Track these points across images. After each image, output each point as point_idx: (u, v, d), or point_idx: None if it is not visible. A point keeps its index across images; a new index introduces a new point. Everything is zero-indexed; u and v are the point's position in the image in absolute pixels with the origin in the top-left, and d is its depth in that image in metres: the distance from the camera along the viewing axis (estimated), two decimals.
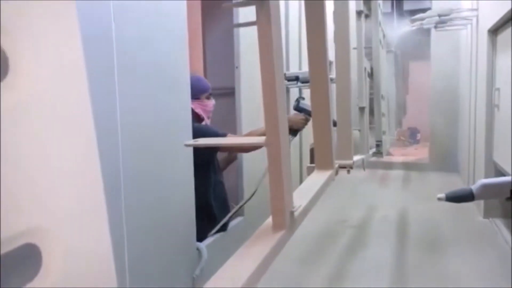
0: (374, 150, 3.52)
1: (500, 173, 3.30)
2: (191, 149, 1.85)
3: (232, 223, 2.64)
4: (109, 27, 1.32)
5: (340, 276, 2.38)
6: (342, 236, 3.04)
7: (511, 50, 2.95)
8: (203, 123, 2.37)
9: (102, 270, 0.42)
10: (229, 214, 2.21)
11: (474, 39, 4.09)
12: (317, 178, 1.24)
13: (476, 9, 3.56)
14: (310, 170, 1.36)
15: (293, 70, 3.56)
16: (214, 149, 2.20)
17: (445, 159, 5.46)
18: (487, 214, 3.42)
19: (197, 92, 2.29)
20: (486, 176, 3.50)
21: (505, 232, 3.03)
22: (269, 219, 0.91)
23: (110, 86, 1.33)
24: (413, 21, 3.58)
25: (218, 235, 2.41)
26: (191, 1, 2.15)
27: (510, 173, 2.96)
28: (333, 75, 1.73)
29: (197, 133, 1.95)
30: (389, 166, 5.86)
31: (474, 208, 3.60)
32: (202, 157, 2.14)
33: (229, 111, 2.70)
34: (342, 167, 1.58)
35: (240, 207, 2.20)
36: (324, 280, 2.32)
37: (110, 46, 1.32)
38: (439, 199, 1.46)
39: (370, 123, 3.49)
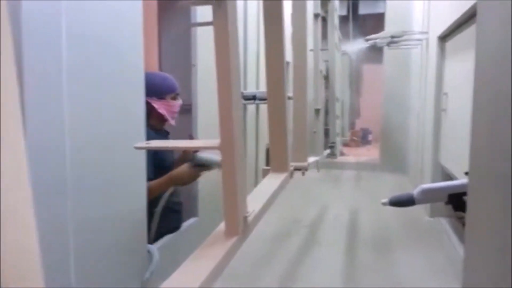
0: (328, 151, 3.59)
1: (447, 175, 3.47)
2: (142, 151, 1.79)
3: (186, 224, 2.59)
4: (58, 24, 1.24)
5: (293, 276, 2.40)
6: (295, 236, 3.06)
7: (459, 56, 3.10)
8: (167, 123, 2.30)
9: (28, 267, 0.42)
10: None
11: (424, 46, 4.26)
12: (272, 181, 1.22)
13: (427, 32, 3.78)
14: (265, 173, 1.35)
15: (251, 75, 3.56)
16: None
17: (395, 160, 5.67)
18: (433, 213, 3.58)
19: (162, 92, 2.20)
20: (433, 178, 3.67)
21: (450, 230, 3.19)
22: (222, 224, 0.88)
23: (57, 85, 1.26)
24: (368, 40, 3.74)
25: (171, 236, 2.34)
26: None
27: (455, 175, 3.11)
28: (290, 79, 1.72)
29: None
30: (342, 166, 6.00)
31: (421, 208, 3.76)
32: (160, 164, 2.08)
33: (185, 108, 2.63)
34: (297, 169, 1.58)
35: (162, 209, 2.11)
36: (276, 280, 2.33)
37: (59, 44, 1.25)
38: (383, 203, 1.51)
39: (325, 124, 3.55)
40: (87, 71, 1.42)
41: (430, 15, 4.06)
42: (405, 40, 3.75)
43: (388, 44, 3.72)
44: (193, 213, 2.72)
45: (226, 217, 0.83)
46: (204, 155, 2.00)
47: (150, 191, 2.01)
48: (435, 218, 3.54)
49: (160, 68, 2.99)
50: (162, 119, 2.25)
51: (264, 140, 3.82)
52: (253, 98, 2.92)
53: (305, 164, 1.61)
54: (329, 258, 2.66)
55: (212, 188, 2.84)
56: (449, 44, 3.44)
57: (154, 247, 2.07)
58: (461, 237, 2.88)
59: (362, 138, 10.98)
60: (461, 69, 3.01)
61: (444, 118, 3.53)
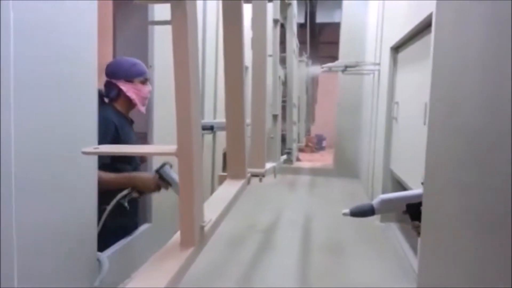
0: (284, 157, 3.61)
1: (396, 181, 3.60)
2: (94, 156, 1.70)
3: (138, 230, 2.49)
4: (7, 21, 1.16)
5: (248, 280, 2.38)
6: (250, 241, 3.05)
7: (410, 67, 3.23)
8: (137, 109, 2.22)
9: None
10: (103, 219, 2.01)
11: (377, 56, 4.41)
12: (229, 188, 1.19)
13: (379, 64, 4.06)
14: (221, 179, 1.31)
15: (210, 76, 3.51)
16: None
17: (347, 166, 5.82)
18: (384, 218, 3.70)
19: (130, 75, 2.17)
20: (384, 183, 3.79)
21: (399, 234, 3.30)
22: (177, 234, 0.84)
23: (5, 83, 1.17)
24: (323, 67, 4.00)
25: (123, 242, 2.25)
26: None
27: (404, 181, 3.23)
28: (249, 82, 1.71)
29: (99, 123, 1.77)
30: (297, 171, 6.07)
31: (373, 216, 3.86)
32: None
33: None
34: (254, 175, 1.56)
35: (110, 209, 2.00)
36: (231, 285, 2.30)
37: (7, 39, 1.17)
38: (344, 214, 1.55)
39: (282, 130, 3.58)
40: (36, 70, 1.33)
41: (383, 26, 4.22)
42: (358, 69, 4.11)
43: (343, 71, 4.01)
44: (146, 219, 2.63)
45: (182, 226, 0.79)
46: (172, 173, 1.97)
47: (107, 182, 1.93)
48: (386, 223, 3.66)
49: None
50: (130, 103, 2.20)
51: (221, 144, 3.78)
52: (211, 128, 2.86)
53: (262, 170, 1.59)
54: (283, 262, 2.66)
55: (166, 194, 2.76)
56: (401, 55, 3.58)
57: (104, 255, 1.97)
58: (410, 241, 2.99)
59: (316, 144, 11.20)
60: (412, 79, 3.13)
61: (395, 126, 3.66)
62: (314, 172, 6.08)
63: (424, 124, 2.51)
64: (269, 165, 1.85)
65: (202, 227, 0.81)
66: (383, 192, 3.76)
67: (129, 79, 2.16)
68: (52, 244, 1.51)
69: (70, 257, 1.64)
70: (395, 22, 3.58)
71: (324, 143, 11.47)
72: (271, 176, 2.47)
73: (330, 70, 4.01)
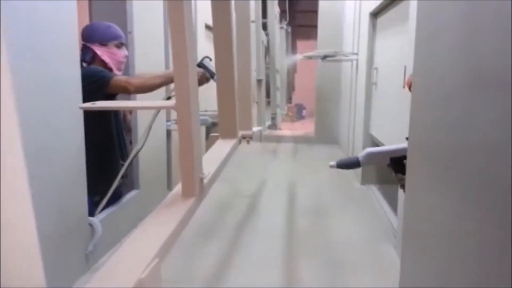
0: (269, 123, 3.65)
1: (376, 145, 3.71)
2: (80, 116, 1.70)
3: (127, 196, 2.52)
4: None
5: (236, 244, 2.46)
6: (238, 206, 3.12)
7: (389, 32, 3.27)
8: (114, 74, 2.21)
9: None
10: (118, 178, 2.08)
11: (356, 23, 4.43)
12: (222, 147, 1.23)
13: (357, 53, 4.20)
14: (214, 140, 1.35)
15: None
16: (104, 93, 2.00)
17: (328, 133, 5.93)
18: (364, 181, 3.83)
19: (104, 38, 2.16)
20: (364, 148, 3.90)
21: (378, 195, 3.44)
22: (178, 186, 0.88)
23: None
24: (304, 56, 4.13)
25: (112, 209, 2.28)
26: None
27: (383, 144, 3.34)
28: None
29: (83, 76, 1.82)
30: (280, 139, 6.15)
31: (353, 177, 4.00)
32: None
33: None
34: (243, 136, 1.60)
35: (132, 159, 2.11)
36: (220, 248, 2.37)
37: None
38: (331, 166, 1.61)
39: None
40: (17, 39, 1.31)
41: None
42: (337, 58, 4.30)
43: (322, 59, 4.21)
44: (134, 185, 2.66)
45: (183, 178, 0.83)
46: (212, 62, 2.12)
47: (154, 85, 2.03)
48: (366, 185, 3.79)
49: None
50: (105, 67, 2.18)
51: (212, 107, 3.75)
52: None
53: (250, 132, 1.63)
54: (269, 225, 2.75)
55: (153, 159, 2.78)
56: (380, 20, 3.61)
57: (96, 220, 2.01)
58: (390, 201, 3.12)
59: (296, 113, 11.28)
60: (391, 44, 3.18)
61: (374, 91, 3.74)
62: (296, 139, 6.17)
63: (403, 87, 2.58)
64: (255, 129, 1.89)
65: (201, 179, 0.85)
66: None
67: (103, 43, 2.15)
68: (42, 213, 1.51)
69: (61, 224, 1.66)
70: None
71: (304, 113, 11.56)
72: (256, 143, 2.53)
73: (310, 58, 4.13)
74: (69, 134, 1.68)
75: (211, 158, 1.08)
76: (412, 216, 1.01)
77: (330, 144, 5.73)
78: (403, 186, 1.44)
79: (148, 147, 2.33)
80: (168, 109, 0.74)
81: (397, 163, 1.45)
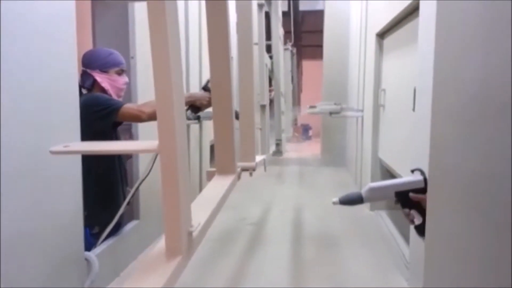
0: (273, 149, 3.54)
1: (385, 169, 3.57)
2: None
3: (126, 227, 2.40)
4: None
5: (241, 275, 2.32)
6: (242, 234, 2.99)
7: (396, 53, 3.18)
8: None
9: None
10: (122, 208, 1.98)
11: (362, 43, 4.35)
12: (218, 185, 1.11)
13: (362, 110, 4.19)
14: (210, 175, 1.23)
15: (194, 65, 3.39)
16: (111, 122, 2.00)
17: (335, 155, 5.80)
18: (373, 206, 3.68)
19: (105, 65, 2.12)
20: (373, 171, 3.76)
21: (388, 222, 3.28)
22: (162, 241, 0.76)
23: None
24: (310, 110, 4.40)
25: (111, 241, 2.16)
26: None
27: (394, 169, 3.20)
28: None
29: (86, 103, 1.78)
30: (285, 162, 6.02)
31: (362, 205, 3.84)
32: (98, 130, 1.90)
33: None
34: (244, 169, 1.48)
35: (136, 189, 2.03)
36: (225, 280, 2.23)
37: None
38: (334, 203, 1.54)
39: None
40: (14, 61, 1.24)
41: (368, 12, 4.15)
42: (343, 114, 4.32)
43: (330, 114, 4.23)
44: (134, 215, 2.54)
45: (167, 233, 0.71)
46: None
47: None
48: (375, 211, 3.64)
49: None
50: (105, 94, 2.11)
51: (209, 136, 3.67)
52: (197, 118, 2.87)
53: (252, 164, 1.51)
54: (276, 255, 2.62)
55: (155, 188, 2.67)
56: (387, 41, 3.52)
57: (93, 255, 1.89)
58: (400, 229, 2.97)
59: (302, 134, 11.17)
60: (399, 65, 3.08)
61: (382, 113, 3.62)
62: (302, 162, 6.03)
63: (413, 110, 2.46)
64: (259, 158, 1.77)
65: (190, 233, 0.73)
66: (372, 181, 3.73)
67: (104, 70, 2.11)
68: (38, 247, 1.44)
69: (57, 259, 1.56)
70: (380, 8, 3.52)
71: (310, 133, 11.45)
72: (261, 168, 2.41)
73: (315, 114, 4.23)
74: (66, 164, 1.58)
75: (204, 201, 0.95)
76: (435, 247, 0.91)
77: (337, 167, 5.60)
78: (412, 221, 1.37)
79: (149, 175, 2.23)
80: (150, 152, 0.65)
81: (403, 198, 1.38)
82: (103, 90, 2.13)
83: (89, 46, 2.75)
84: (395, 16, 2.91)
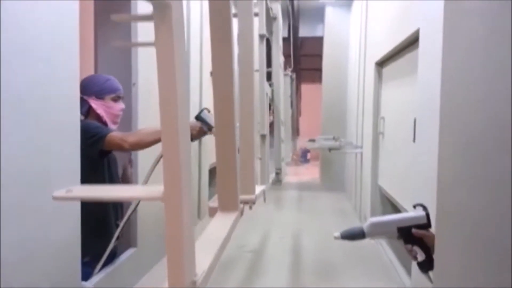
0: (273, 177, 3.52)
1: (385, 197, 3.54)
2: (77, 175, 1.59)
3: (123, 256, 2.34)
4: None
5: None
6: (241, 262, 2.93)
7: (395, 82, 3.20)
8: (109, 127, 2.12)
9: None
10: (114, 238, 1.94)
11: (361, 70, 4.40)
12: (221, 224, 1.08)
13: (361, 147, 4.24)
14: (212, 212, 1.21)
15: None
16: (98, 150, 1.96)
17: (334, 180, 5.77)
18: None
19: (101, 91, 2.08)
20: (372, 199, 3.74)
21: (388, 250, 3.24)
22: None
23: None
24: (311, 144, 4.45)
25: (107, 270, 2.11)
26: (83, 3, 1.88)
27: (393, 197, 3.18)
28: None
29: None
30: (284, 186, 5.98)
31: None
32: (87, 158, 1.87)
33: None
34: (243, 202, 1.45)
35: (127, 219, 1.98)
36: None
37: None
38: (335, 238, 1.53)
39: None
40: (16, 87, 1.23)
41: (367, 41, 4.21)
42: (342, 150, 4.44)
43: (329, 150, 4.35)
44: (131, 243, 2.48)
45: (171, 282, 0.68)
46: (210, 114, 2.11)
47: (153, 141, 1.95)
48: (376, 239, 3.59)
49: None
50: (100, 121, 2.09)
51: (209, 159, 3.63)
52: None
53: (252, 197, 1.49)
54: (275, 284, 2.57)
55: (152, 215, 2.63)
56: (387, 69, 3.56)
57: (89, 284, 1.84)
58: (401, 259, 2.92)
59: (301, 157, 11.16)
60: (399, 94, 3.10)
61: (381, 141, 3.62)
62: (301, 186, 6.01)
63: (414, 141, 2.46)
64: (258, 189, 1.75)
65: (193, 282, 0.70)
66: (372, 208, 3.70)
67: (100, 96, 2.09)
68: (32, 277, 1.39)
69: (53, 285, 1.51)
70: (379, 37, 3.56)
71: (309, 156, 11.43)
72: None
73: (315, 148, 4.31)
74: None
75: (207, 244, 0.93)
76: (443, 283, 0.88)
77: (336, 191, 5.56)
78: (415, 258, 1.35)
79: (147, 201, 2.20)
80: (154, 200, 0.63)
81: (405, 233, 1.36)
82: (98, 117, 2.11)
83: (90, 71, 2.75)
84: (395, 47, 2.95)
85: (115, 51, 2.59)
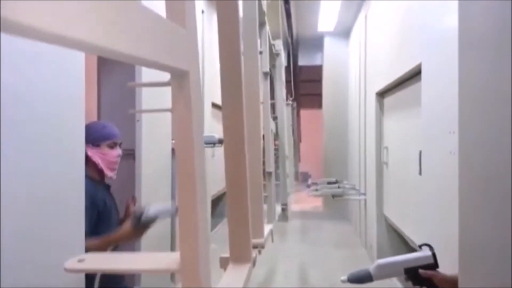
0: (279, 213, 3.48)
1: (391, 227, 3.50)
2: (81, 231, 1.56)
3: None
4: None
5: None
6: None
7: (397, 113, 3.22)
8: (106, 175, 2.09)
9: None
10: None
11: (362, 100, 4.42)
12: (233, 279, 1.06)
13: (364, 194, 4.27)
14: (224, 263, 1.18)
15: None
16: None
17: (337, 209, 5.70)
18: None
19: (97, 138, 2.03)
20: (378, 229, 3.69)
21: (396, 283, 3.17)
22: None
23: None
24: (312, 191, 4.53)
25: None
26: None
27: (399, 228, 3.14)
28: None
29: None
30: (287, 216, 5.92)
31: (367, 262, 3.74)
32: None
33: (127, 172, 2.38)
34: (253, 247, 1.42)
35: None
36: None
37: None
38: (342, 281, 1.49)
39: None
40: (21, 135, 1.23)
41: (366, 71, 4.26)
42: (346, 197, 4.47)
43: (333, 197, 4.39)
44: (134, 282, 2.42)
45: None
46: (152, 211, 1.88)
47: (92, 249, 1.81)
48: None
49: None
50: (96, 169, 2.06)
51: (211, 189, 3.59)
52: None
53: (261, 240, 1.46)
54: None
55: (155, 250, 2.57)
56: (388, 100, 3.58)
57: None
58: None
59: (302, 182, 11.10)
60: (402, 125, 3.11)
61: (385, 171, 3.61)
62: (304, 215, 5.94)
63: (420, 174, 2.45)
64: (266, 229, 1.73)
65: None
66: (378, 239, 3.65)
67: (96, 143, 2.05)
68: None
69: None
70: (379, 68, 3.60)
71: (310, 181, 11.37)
72: None
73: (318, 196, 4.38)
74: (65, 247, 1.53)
75: None
76: None
77: (340, 220, 5.50)
78: None
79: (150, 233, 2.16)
80: (169, 272, 0.61)
81: (413, 274, 1.36)
82: (94, 165, 2.09)
83: (93, 116, 2.76)
84: (396, 79, 2.98)
85: (118, 87, 2.61)
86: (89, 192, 1.93)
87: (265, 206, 3.26)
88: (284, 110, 3.60)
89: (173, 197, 2.62)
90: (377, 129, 3.76)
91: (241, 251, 1.17)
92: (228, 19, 1.33)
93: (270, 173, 2.71)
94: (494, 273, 0.72)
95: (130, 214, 2.43)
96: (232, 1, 1.37)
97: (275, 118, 3.51)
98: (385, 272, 1.44)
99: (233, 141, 1.32)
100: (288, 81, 5.81)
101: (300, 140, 8.57)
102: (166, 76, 0.80)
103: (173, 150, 2.47)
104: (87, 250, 1.72)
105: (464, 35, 0.87)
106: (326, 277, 3.37)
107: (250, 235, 1.19)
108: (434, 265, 1.35)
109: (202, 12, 3.49)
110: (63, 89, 1.53)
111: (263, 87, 2.69)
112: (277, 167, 3.81)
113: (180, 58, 0.65)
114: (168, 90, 0.82)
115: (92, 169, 2.09)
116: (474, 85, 0.82)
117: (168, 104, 0.80)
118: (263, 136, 2.69)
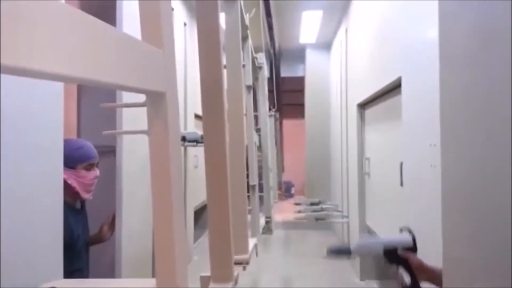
0: (263, 226, 3.46)
1: (373, 235, 3.52)
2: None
3: None
4: None
5: None
6: None
7: (378, 124, 3.26)
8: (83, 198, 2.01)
9: None
10: None
11: (344, 111, 4.47)
12: None
13: (347, 216, 4.34)
14: (204, 282, 1.15)
15: None
16: None
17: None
18: (363, 276, 3.58)
19: (73, 160, 1.93)
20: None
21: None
22: None
23: None
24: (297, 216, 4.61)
25: None
26: None
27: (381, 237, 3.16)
28: None
29: None
30: (271, 229, 5.90)
31: (351, 271, 3.75)
32: None
33: (107, 172, 2.30)
34: (236, 263, 1.41)
35: None
36: None
37: None
38: (324, 254, 1.53)
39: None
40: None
41: (348, 83, 4.31)
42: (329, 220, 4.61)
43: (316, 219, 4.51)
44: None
45: None
46: None
47: None
48: (366, 280, 3.55)
49: (79, 123, 2.70)
50: (72, 191, 1.96)
51: (194, 200, 3.54)
52: (183, 139, 2.66)
53: (246, 256, 1.44)
54: None
55: (138, 252, 2.49)
56: (369, 112, 3.62)
57: None
58: None
59: (285, 191, 11.10)
60: (384, 136, 3.15)
61: (367, 181, 3.64)
62: (287, 225, 5.93)
63: (401, 185, 2.48)
64: (250, 244, 1.71)
65: None
66: None
67: (71, 165, 1.93)
68: None
69: None
70: (360, 79, 3.65)
71: (293, 190, 11.39)
72: None
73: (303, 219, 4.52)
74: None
75: None
76: None
77: (324, 230, 5.50)
78: (402, 284, 1.37)
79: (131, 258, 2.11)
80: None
81: (391, 255, 1.40)
82: (70, 187, 2.00)
83: (73, 109, 2.69)
84: (376, 92, 3.02)
85: (99, 100, 2.55)
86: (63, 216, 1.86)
87: (249, 218, 3.25)
88: (268, 122, 3.61)
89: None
90: (359, 139, 3.80)
91: (223, 270, 1.15)
92: (208, 31, 1.33)
93: (253, 186, 2.69)
94: (475, 285, 0.72)
95: (104, 235, 2.34)
96: (213, 12, 1.37)
97: (258, 130, 3.52)
98: (365, 250, 1.50)
99: (214, 153, 1.31)
100: (270, 91, 5.85)
101: (282, 151, 8.60)
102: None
103: None
104: None
105: (444, 48, 0.88)
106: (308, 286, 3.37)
107: (232, 253, 1.17)
108: (413, 249, 1.39)
109: (185, 24, 3.49)
110: (41, 109, 1.49)
111: (247, 100, 2.69)
112: (260, 178, 3.81)
113: (156, 79, 0.64)
114: None
115: (66, 192, 1.96)
116: (455, 98, 0.83)
117: None
118: (247, 148, 2.70)
